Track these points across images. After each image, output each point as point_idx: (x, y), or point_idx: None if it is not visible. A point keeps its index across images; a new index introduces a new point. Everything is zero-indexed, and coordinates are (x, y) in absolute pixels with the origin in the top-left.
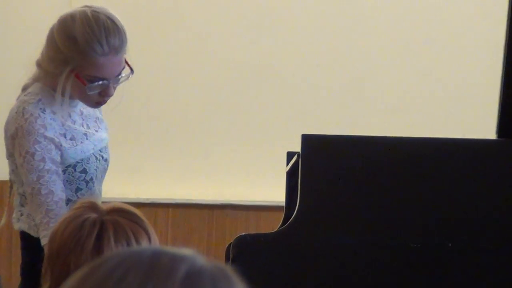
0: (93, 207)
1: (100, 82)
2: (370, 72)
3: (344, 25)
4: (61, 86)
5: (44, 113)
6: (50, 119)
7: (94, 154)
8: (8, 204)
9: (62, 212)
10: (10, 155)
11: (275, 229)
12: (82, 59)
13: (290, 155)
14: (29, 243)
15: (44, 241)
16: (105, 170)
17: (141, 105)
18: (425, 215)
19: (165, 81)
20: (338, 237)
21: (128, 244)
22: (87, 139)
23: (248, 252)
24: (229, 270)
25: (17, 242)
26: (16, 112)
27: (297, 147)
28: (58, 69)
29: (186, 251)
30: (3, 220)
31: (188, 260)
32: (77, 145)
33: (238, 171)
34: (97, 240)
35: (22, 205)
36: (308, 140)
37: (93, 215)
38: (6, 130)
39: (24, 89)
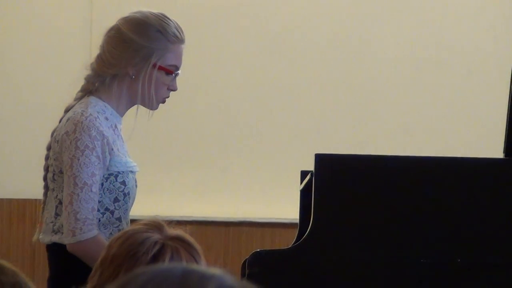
0: (159, 228)
1: (178, 72)
2: (382, 93)
3: (357, 46)
4: (145, 83)
5: (100, 118)
6: (105, 125)
7: (132, 172)
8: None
9: (95, 222)
10: (56, 159)
11: (290, 246)
12: (166, 48)
13: (303, 174)
14: (63, 255)
15: (72, 240)
16: (134, 197)
17: (157, 123)
18: (435, 231)
19: (182, 101)
20: (350, 253)
21: None
22: (127, 156)
23: (263, 268)
24: None
25: (40, 259)
26: (74, 114)
27: (310, 166)
28: (138, 67)
29: (214, 270)
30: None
31: (217, 279)
32: (121, 156)
33: (253, 189)
34: (152, 260)
35: (57, 215)
36: (321, 160)
37: (157, 236)
38: (54, 136)
39: (68, 109)
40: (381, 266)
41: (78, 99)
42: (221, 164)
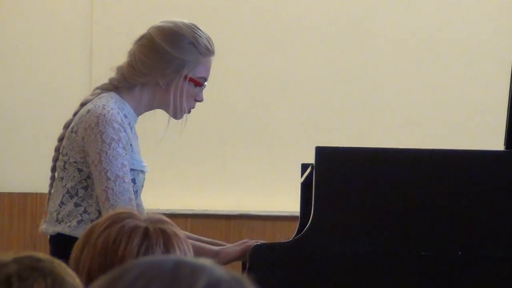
0: (132, 216)
1: (206, 83)
2: (382, 87)
3: (357, 39)
4: (176, 94)
5: (120, 114)
6: (125, 122)
7: (143, 172)
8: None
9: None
10: (72, 149)
11: (290, 239)
12: (197, 61)
13: (304, 167)
14: (67, 246)
15: None
16: (139, 197)
17: (157, 118)
18: (435, 224)
19: None
20: (351, 246)
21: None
22: (140, 156)
23: (264, 261)
24: (246, 280)
25: (41, 249)
26: (95, 107)
27: (311, 159)
28: (169, 78)
29: (205, 261)
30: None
31: (208, 271)
32: (136, 155)
33: (254, 182)
34: (145, 250)
35: (62, 204)
36: (321, 152)
37: (137, 222)
38: (71, 127)
39: (84, 103)
40: (382, 259)
41: (96, 95)
42: (222, 158)
